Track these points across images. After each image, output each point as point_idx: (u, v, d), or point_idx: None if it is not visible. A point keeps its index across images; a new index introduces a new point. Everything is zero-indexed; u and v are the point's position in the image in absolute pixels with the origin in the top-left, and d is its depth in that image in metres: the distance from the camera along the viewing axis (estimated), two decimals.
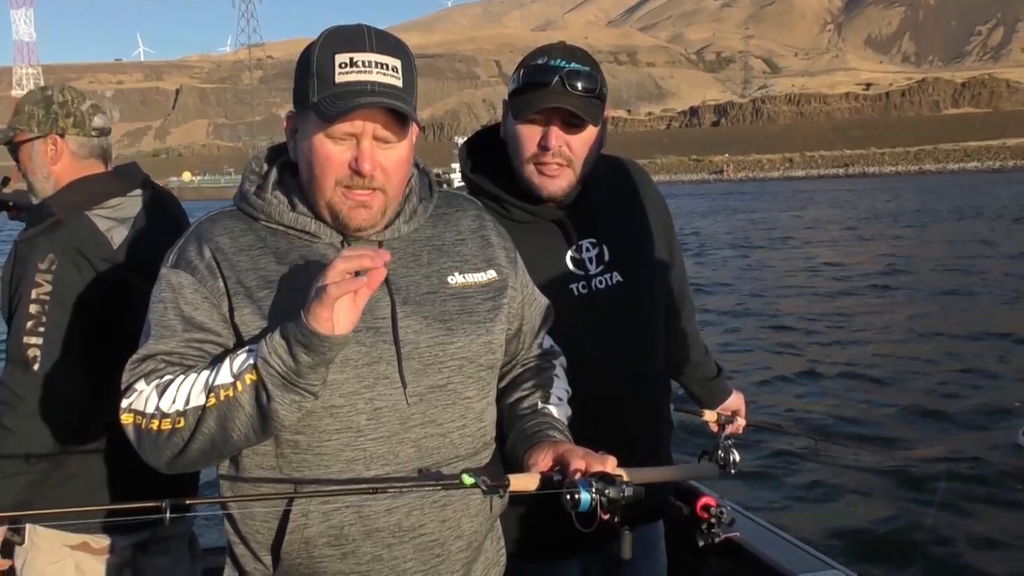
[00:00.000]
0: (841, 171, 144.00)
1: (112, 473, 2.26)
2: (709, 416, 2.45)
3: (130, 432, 1.41)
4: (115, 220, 2.28)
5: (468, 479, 1.36)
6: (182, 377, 1.39)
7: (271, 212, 1.50)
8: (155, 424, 1.38)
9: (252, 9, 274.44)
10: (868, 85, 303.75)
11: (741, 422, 2.47)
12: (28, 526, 2.30)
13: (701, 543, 2.37)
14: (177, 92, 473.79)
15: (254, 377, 1.33)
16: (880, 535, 5.70)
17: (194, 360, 1.44)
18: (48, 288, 2.15)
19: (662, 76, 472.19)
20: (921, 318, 13.53)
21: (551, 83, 1.86)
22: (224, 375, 1.36)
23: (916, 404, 8.58)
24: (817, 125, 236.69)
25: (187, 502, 1.28)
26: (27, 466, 2.10)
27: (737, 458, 2.42)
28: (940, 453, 6.29)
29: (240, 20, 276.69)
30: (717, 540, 2.38)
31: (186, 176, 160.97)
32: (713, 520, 2.38)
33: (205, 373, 1.38)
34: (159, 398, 1.38)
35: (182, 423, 1.36)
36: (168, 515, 1.25)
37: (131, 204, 2.33)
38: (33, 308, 2.14)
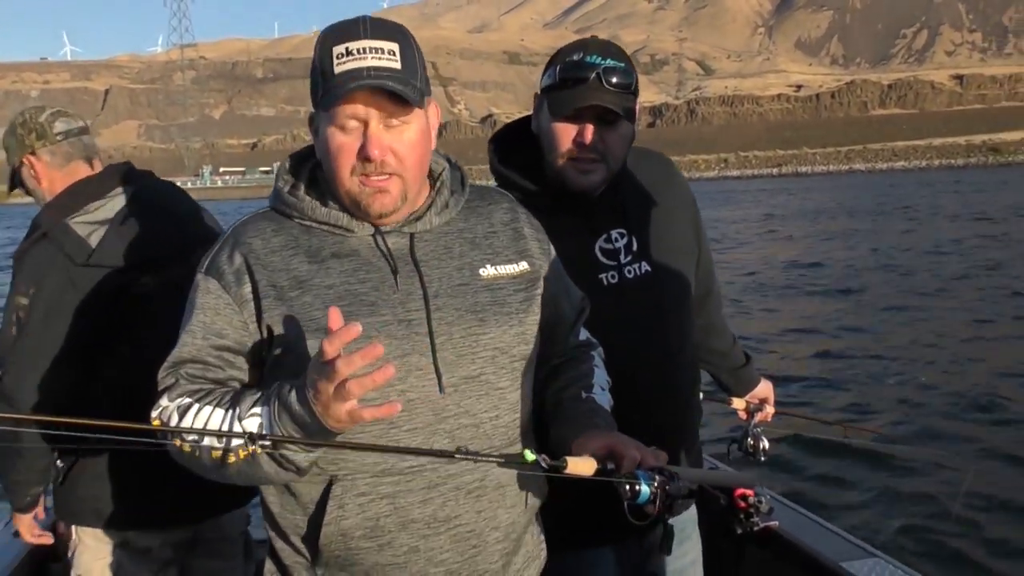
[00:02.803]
0: (775, 171, 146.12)
1: (144, 474, 2.24)
2: (738, 404, 2.46)
3: (156, 434, 1.45)
4: (96, 223, 2.28)
5: (530, 455, 1.36)
6: (198, 407, 1.42)
7: (304, 209, 1.53)
8: (176, 442, 1.42)
9: (185, 8, 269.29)
10: (799, 87, 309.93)
11: (770, 410, 2.48)
12: (74, 524, 2.42)
13: (739, 531, 2.37)
14: (106, 92, 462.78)
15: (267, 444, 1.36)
16: (910, 524, 5.71)
17: (215, 367, 1.47)
18: (27, 302, 2.19)
19: None
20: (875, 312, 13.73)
21: (588, 79, 1.87)
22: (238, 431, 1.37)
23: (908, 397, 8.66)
24: (750, 126, 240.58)
25: (256, 442, 1.33)
26: (47, 463, 2.25)
27: (766, 445, 2.45)
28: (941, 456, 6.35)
29: (172, 19, 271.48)
30: (756, 529, 2.38)
31: None
32: (751, 509, 2.37)
33: (219, 414, 1.40)
34: (179, 419, 1.42)
35: (199, 455, 1.41)
36: (255, 446, 1.33)
37: (112, 205, 2.32)
38: (15, 317, 2.20)
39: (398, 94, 1.43)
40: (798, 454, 6.82)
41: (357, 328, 1.26)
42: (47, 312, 2.18)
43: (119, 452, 2.21)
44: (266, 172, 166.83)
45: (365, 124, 1.45)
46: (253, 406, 1.38)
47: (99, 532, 2.39)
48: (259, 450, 1.35)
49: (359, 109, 1.44)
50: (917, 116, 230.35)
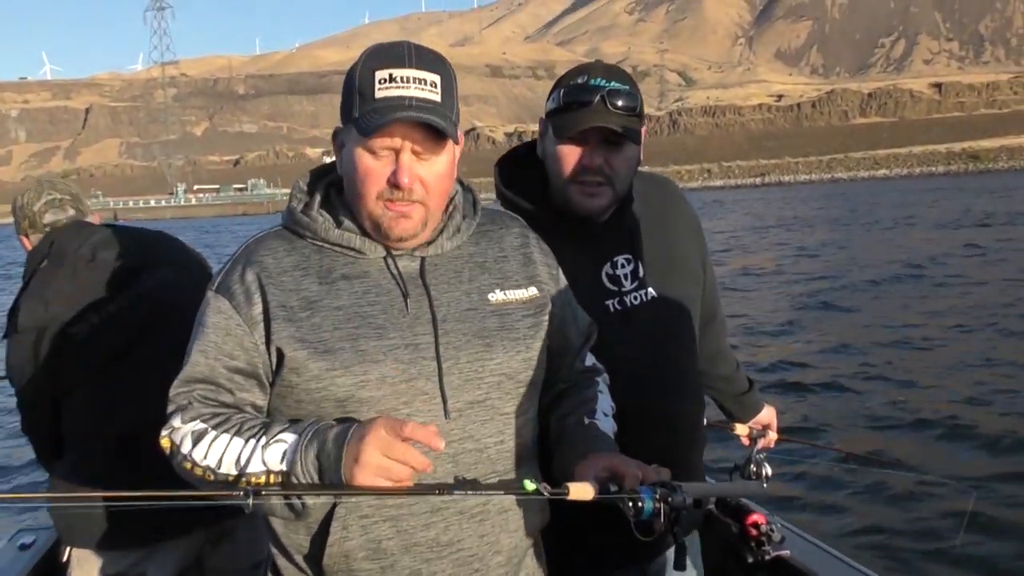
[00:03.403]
0: (758, 180, 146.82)
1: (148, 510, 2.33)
2: (741, 430, 2.44)
3: (165, 453, 1.47)
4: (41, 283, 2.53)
5: (529, 484, 1.36)
6: (213, 434, 1.43)
7: (317, 229, 1.53)
8: (188, 465, 1.44)
9: (165, 26, 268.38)
10: (780, 96, 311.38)
11: (773, 436, 2.47)
12: (68, 547, 2.56)
13: (750, 560, 2.32)
14: (87, 111, 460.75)
15: (281, 480, 1.38)
16: (909, 548, 5.63)
17: (227, 390, 1.49)
18: (4, 355, 2.51)
19: None
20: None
21: (592, 102, 1.86)
22: (255, 463, 1.39)
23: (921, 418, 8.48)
24: (733, 136, 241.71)
25: (264, 492, 1.34)
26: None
27: (769, 472, 2.43)
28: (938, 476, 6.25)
29: (152, 37, 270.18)
30: (767, 558, 2.34)
31: None
32: (763, 538, 2.34)
33: (238, 443, 1.42)
34: (192, 445, 1.43)
35: (212, 478, 1.42)
36: (251, 501, 1.30)
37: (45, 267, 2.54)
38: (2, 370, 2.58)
39: (436, 128, 1.44)
40: (800, 480, 6.69)
41: (440, 445, 1.32)
42: (18, 365, 2.48)
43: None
44: (240, 189, 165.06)
45: (397, 151, 1.46)
46: (282, 432, 1.40)
47: (94, 558, 2.49)
48: (271, 480, 1.37)
49: (395, 139, 1.45)
50: (897, 124, 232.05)
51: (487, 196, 1.77)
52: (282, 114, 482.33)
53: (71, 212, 2.67)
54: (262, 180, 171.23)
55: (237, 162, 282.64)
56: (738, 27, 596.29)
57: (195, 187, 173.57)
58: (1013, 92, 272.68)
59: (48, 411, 2.50)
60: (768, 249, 28.05)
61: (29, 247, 2.64)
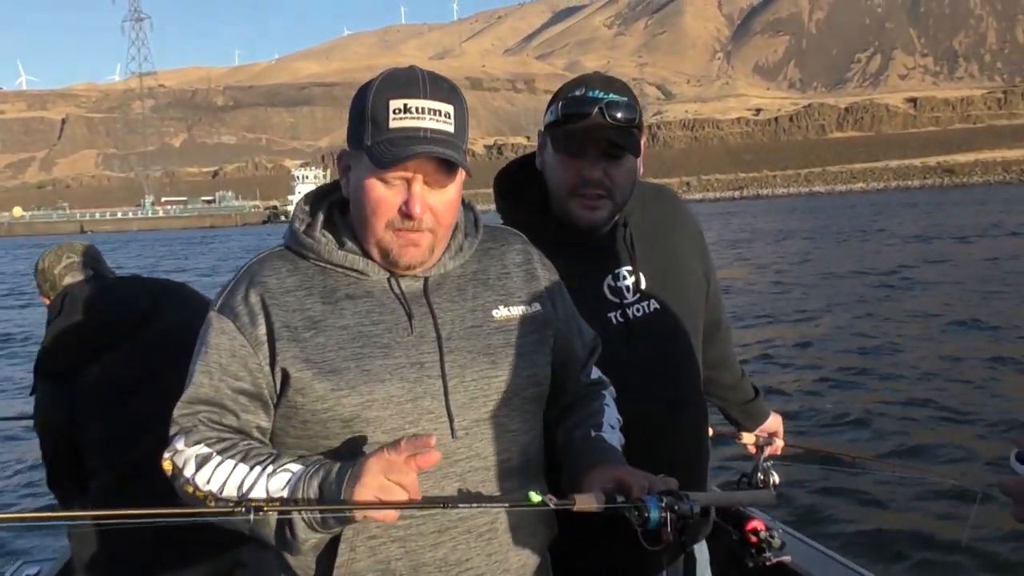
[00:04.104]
0: (736, 194, 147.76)
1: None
2: (747, 439, 2.43)
3: (167, 474, 1.47)
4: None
5: (535, 496, 1.35)
6: (218, 459, 1.43)
7: (320, 251, 1.54)
8: (190, 488, 1.43)
9: (143, 36, 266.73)
10: (758, 110, 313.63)
11: (779, 443, 2.46)
12: None
13: (751, 566, 2.33)
14: (63, 122, 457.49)
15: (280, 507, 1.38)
16: (915, 553, 5.58)
17: (231, 413, 1.49)
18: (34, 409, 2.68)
19: None
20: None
21: (591, 114, 1.86)
22: (259, 489, 1.39)
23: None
24: (711, 149, 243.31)
25: (266, 508, 1.32)
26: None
27: (777, 479, 2.42)
28: (954, 476, 6.22)
29: (131, 47, 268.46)
30: (768, 564, 2.34)
31: (16, 212, 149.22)
32: (763, 544, 2.34)
33: (242, 469, 1.42)
34: (196, 469, 1.43)
35: (213, 504, 1.41)
36: (252, 516, 1.29)
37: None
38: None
39: (449, 160, 1.44)
40: (808, 487, 6.63)
41: (435, 455, 1.32)
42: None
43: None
44: (208, 202, 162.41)
45: (408, 180, 1.46)
46: (289, 463, 1.41)
47: None
48: (272, 514, 1.36)
49: (408, 171, 1.45)
50: (873, 139, 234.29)
51: (483, 208, 1.78)
52: (261, 126, 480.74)
53: (90, 272, 2.80)
54: (230, 192, 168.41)
55: (216, 174, 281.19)
56: (716, 41, 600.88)
57: (162, 199, 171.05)
58: (987, 107, 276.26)
59: (68, 458, 2.59)
60: (743, 261, 28.10)
61: (48, 304, 2.80)
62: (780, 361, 12.10)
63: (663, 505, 1.33)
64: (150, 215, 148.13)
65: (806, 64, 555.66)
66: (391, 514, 1.31)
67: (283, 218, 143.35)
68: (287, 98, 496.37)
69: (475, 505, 1.42)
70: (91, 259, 2.83)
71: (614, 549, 1.59)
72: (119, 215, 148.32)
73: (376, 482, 1.30)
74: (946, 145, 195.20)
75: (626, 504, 1.36)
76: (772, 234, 41.44)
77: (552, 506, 1.36)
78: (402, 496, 1.30)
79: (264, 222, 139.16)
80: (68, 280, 2.76)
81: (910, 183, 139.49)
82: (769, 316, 16.24)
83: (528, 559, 1.58)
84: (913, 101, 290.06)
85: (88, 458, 2.59)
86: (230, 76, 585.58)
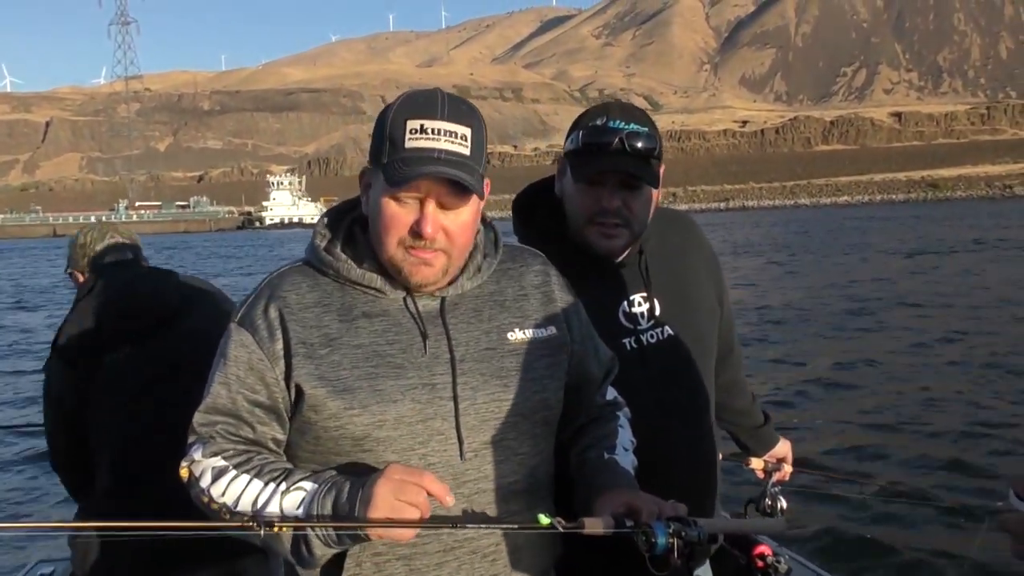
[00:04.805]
0: (722, 205, 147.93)
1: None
2: (756, 464, 2.44)
3: (183, 480, 1.50)
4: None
5: (544, 519, 1.37)
6: (234, 473, 1.45)
7: (339, 268, 1.55)
8: (205, 498, 1.46)
9: (130, 40, 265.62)
10: (744, 122, 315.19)
11: (788, 469, 2.46)
12: None
13: None
14: (47, 124, 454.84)
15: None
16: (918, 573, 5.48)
17: (247, 425, 1.51)
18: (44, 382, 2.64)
19: (547, 112, 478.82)
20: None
21: (611, 144, 1.87)
22: (272, 506, 1.41)
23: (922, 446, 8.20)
24: (697, 160, 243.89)
25: (277, 524, 1.35)
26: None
27: (784, 505, 2.43)
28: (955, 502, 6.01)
29: (117, 51, 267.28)
30: None
31: None
32: (769, 569, 2.36)
33: (257, 485, 1.44)
34: (212, 481, 1.45)
35: (228, 517, 1.44)
36: (263, 532, 1.32)
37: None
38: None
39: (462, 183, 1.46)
40: (816, 512, 6.46)
41: (450, 502, 1.36)
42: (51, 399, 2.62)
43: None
44: (182, 207, 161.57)
45: (422, 200, 1.47)
46: (303, 480, 1.43)
47: None
48: (285, 529, 1.38)
49: (420, 191, 1.46)
50: (858, 152, 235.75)
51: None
52: (247, 131, 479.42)
53: (129, 256, 2.76)
54: (204, 198, 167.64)
55: (201, 178, 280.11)
56: (704, 53, 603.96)
57: (136, 204, 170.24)
58: (970, 123, 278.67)
59: (76, 445, 2.54)
60: (732, 271, 27.90)
61: (81, 281, 2.74)
62: (765, 379, 11.81)
63: (671, 531, 1.34)
64: (124, 219, 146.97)
65: (792, 77, 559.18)
66: (407, 533, 1.33)
67: (257, 224, 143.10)
68: (274, 103, 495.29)
69: (483, 526, 1.43)
70: (132, 244, 2.80)
71: (620, 572, 1.60)
72: (92, 219, 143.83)
73: (387, 503, 1.31)
74: (930, 159, 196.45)
75: (634, 529, 1.37)
76: (756, 246, 41.26)
77: (561, 529, 1.37)
78: (413, 515, 1.31)
79: (238, 228, 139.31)
80: (108, 259, 2.71)
81: (894, 197, 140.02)
82: (758, 333, 15.98)
83: None
84: (898, 115, 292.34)
85: (96, 451, 2.54)
86: (217, 81, 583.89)
